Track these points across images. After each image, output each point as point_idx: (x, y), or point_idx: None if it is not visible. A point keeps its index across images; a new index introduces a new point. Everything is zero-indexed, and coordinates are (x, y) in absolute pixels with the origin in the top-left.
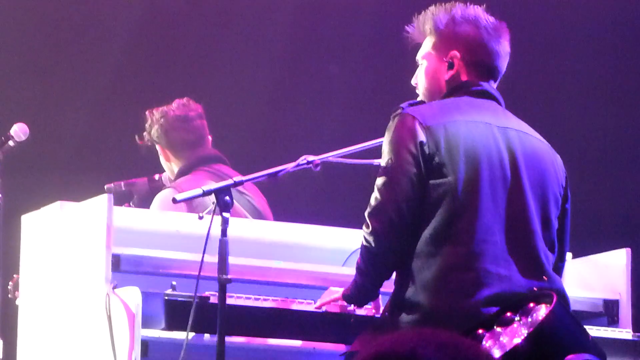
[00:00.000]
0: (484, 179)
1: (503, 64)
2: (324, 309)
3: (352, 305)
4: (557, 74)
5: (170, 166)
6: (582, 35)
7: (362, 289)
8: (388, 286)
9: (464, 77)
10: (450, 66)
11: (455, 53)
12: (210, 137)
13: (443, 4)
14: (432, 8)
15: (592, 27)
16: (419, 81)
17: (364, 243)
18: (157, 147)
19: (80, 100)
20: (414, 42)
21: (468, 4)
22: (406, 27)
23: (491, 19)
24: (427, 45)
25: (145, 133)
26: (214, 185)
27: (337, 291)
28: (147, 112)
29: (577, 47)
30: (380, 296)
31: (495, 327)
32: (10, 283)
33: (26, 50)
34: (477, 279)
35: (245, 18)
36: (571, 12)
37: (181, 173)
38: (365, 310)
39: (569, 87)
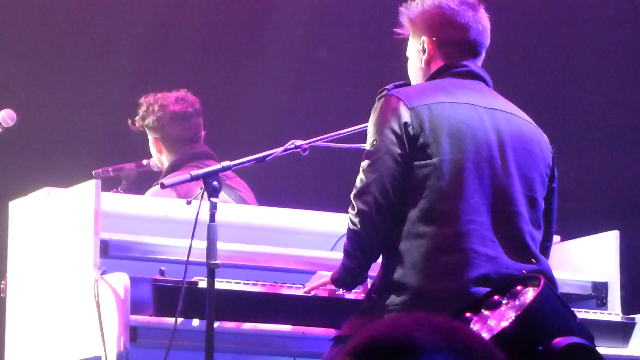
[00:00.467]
0: (468, 160)
1: (480, 37)
2: (313, 293)
3: (341, 289)
4: (549, 55)
5: (159, 157)
6: (574, 15)
7: (351, 271)
8: (375, 269)
9: (440, 60)
10: (423, 52)
11: (424, 38)
12: (203, 133)
13: None
14: (409, 2)
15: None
16: (409, 75)
17: (350, 225)
18: (150, 136)
19: (68, 85)
20: (404, 37)
21: None
22: (395, 29)
23: None
24: (409, 39)
25: (138, 118)
26: (201, 170)
27: (326, 275)
28: (142, 99)
29: (570, 29)
30: (368, 279)
31: (482, 310)
32: (2, 283)
33: (12, 36)
34: (465, 259)
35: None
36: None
37: (172, 167)
38: (355, 294)
39: (560, 69)
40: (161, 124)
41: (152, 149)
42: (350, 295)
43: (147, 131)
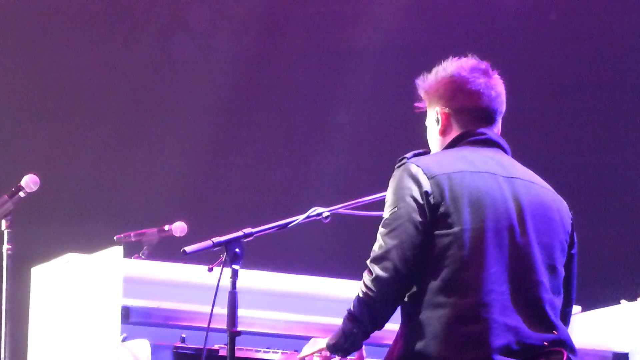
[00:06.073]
0: (489, 230)
1: (494, 103)
2: None
3: (337, 355)
4: (570, 117)
5: None
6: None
7: (351, 337)
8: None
9: (456, 128)
10: (438, 122)
11: (438, 108)
12: None
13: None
14: (424, 75)
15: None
16: (428, 144)
17: (364, 289)
18: None
19: (90, 151)
20: (424, 111)
21: (456, 58)
22: (415, 103)
23: (470, 62)
24: (427, 109)
25: None
26: (223, 237)
27: (321, 341)
28: None
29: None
30: (363, 346)
31: None
32: None
33: (37, 102)
34: (486, 329)
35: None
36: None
37: None
38: None
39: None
40: None
41: None
42: None
43: None
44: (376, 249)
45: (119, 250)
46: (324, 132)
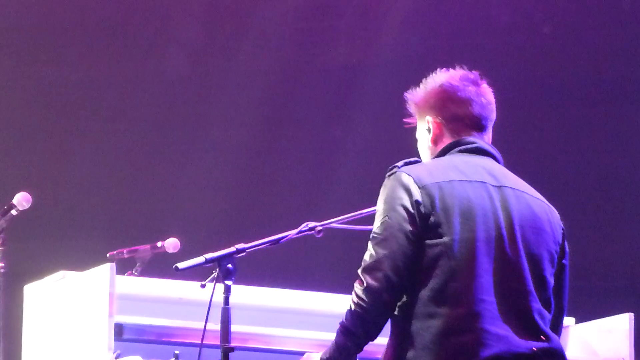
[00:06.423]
0: (479, 240)
1: (484, 111)
2: None
3: None
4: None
5: None
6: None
7: (345, 350)
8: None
9: (447, 137)
10: (429, 131)
11: (429, 117)
12: None
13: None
14: (412, 89)
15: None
16: (419, 155)
17: (355, 300)
18: None
19: (82, 168)
20: (414, 126)
21: (444, 69)
22: (404, 119)
23: (459, 72)
24: (417, 122)
25: None
26: (216, 253)
27: (314, 356)
28: None
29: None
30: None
31: None
32: None
33: (28, 119)
34: (477, 339)
35: (252, 76)
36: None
37: None
38: None
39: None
40: None
41: None
42: None
43: None
44: (367, 258)
45: (111, 267)
46: (320, 146)
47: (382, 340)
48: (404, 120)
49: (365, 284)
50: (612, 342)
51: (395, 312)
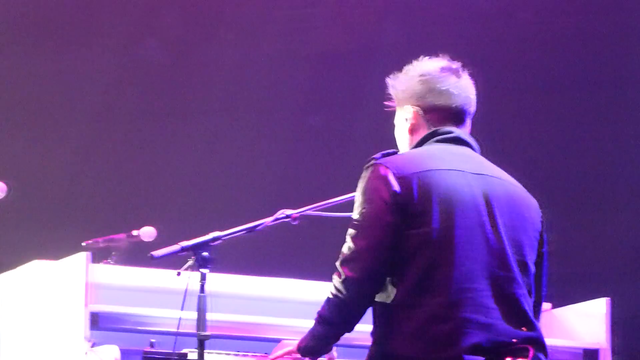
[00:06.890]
0: (459, 228)
1: (463, 103)
2: None
3: (308, 357)
4: (540, 118)
5: None
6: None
7: (323, 339)
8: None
9: (425, 127)
10: (408, 120)
11: (409, 107)
12: None
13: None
14: (394, 74)
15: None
16: (397, 143)
17: (334, 292)
18: None
19: (57, 157)
20: (394, 110)
21: (427, 57)
22: (384, 102)
23: (441, 62)
24: (396, 108)
25: None
26: (192, 241)
27: (291, 343)
28: None
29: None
30: (334, 348)
31: None
32: None
33: (2, 110)
34: (457, 328)
35: (227, 65)
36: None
37: None
38: None
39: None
40: None
41: None
42: None
43: None
44: (345, 250)
45: (87, 255)
46: (295, 134)
47: (360, 327)
48: (384, 103)
49: (343, 276)
50: (590, 326)
51: (377, 303)
